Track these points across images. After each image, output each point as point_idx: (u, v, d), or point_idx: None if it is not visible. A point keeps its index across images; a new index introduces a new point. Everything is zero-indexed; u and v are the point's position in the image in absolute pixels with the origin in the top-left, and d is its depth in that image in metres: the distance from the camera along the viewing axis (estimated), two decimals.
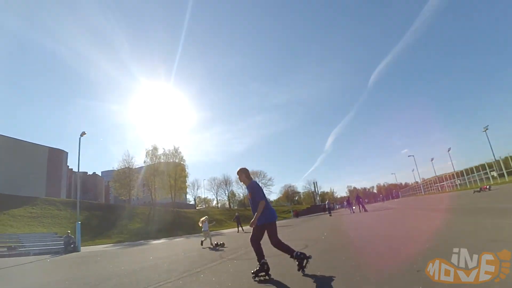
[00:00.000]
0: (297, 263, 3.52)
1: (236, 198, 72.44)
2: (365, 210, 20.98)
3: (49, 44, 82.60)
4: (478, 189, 18.55)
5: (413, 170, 72.00)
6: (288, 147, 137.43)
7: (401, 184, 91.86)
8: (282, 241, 3.70)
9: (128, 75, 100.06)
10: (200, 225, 10.87)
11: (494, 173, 30.87)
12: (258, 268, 3.62)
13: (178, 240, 20.86)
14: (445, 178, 42.22)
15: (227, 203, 70.85)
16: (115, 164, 54.03)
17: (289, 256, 3.60)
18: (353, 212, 22.19)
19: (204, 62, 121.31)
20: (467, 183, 34.63)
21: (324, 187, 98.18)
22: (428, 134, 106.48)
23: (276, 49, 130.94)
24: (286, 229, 14.12)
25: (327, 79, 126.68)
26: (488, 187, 18.34)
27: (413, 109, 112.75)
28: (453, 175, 39.09)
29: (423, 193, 45.15)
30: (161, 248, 13.47)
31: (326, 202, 38.97)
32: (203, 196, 75.45)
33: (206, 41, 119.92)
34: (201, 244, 10.47)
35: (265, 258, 3.65)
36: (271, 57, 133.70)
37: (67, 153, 47.09)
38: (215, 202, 72.79)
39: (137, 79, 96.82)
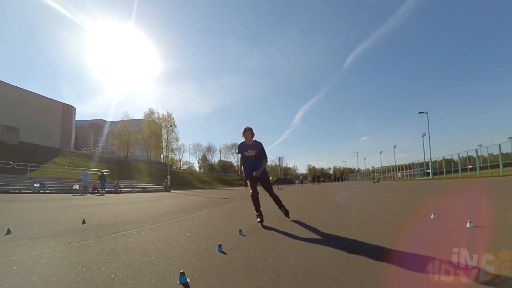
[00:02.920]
0: (284, 211, 4.66)
1: (207, 162, 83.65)
2: (319, 184, 37.87)
3: None
4: (376, 180, 31.90)
5: (365, 159, 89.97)
6: (257, 116, 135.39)
7: (354, 169, 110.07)
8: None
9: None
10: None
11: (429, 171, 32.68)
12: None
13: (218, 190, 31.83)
14: (389, 169, 48.89)
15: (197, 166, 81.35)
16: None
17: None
18: (313, 184, 38.41)
19: (174, 9, 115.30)
20: (404, 176, 39.26)
21: (288, 162, 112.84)
22: (386, 126, 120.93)
23: (260, 5, 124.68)
24: (293, 188, 25.86)
25: (306, 52, 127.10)
26: (378, 180, 31.73)
27: (378, 99, 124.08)
28: (393, 168, 47.74)
29: (358, 179, 60.81)
30: (216, 192, 24.18)
31: (300, 177, 56.49)
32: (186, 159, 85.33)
33: None
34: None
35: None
36: (253, 13, 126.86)
37: (75, 108, 53.21)
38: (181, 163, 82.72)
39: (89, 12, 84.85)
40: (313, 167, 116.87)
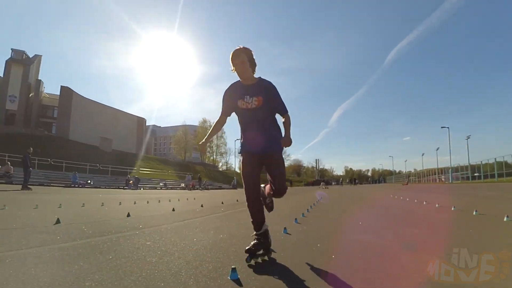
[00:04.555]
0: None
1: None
2: (355, 185, 43.50)
3: None
4: (405, 183, 35.98)
5: (406, 161, 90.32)
6: (292, 116, 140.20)
7: (394, 171, 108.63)
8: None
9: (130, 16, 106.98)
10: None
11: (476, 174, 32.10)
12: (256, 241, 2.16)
13: None
14: (432, 172, 46.86)
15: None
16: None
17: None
18: (351, 185, 45.13)
19: (212, 13, 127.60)
20: (444, 179, 38.56)
21: (324, 164, 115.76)
22: (431, 126, 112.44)
23: (294, 8, 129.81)
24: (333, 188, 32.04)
25: (343, 51, 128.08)
26: (407, 183, 35.73)
27: (424, 97, 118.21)
28: (429, 171, 48.47)
29: (393, 182, 63.71)
30: None
31: (340, 179, 66.95)
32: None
33: None
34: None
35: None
36: (287, 17, 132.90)
37: (146, 120, 64.75)
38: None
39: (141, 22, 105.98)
40: (350, 168, 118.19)
